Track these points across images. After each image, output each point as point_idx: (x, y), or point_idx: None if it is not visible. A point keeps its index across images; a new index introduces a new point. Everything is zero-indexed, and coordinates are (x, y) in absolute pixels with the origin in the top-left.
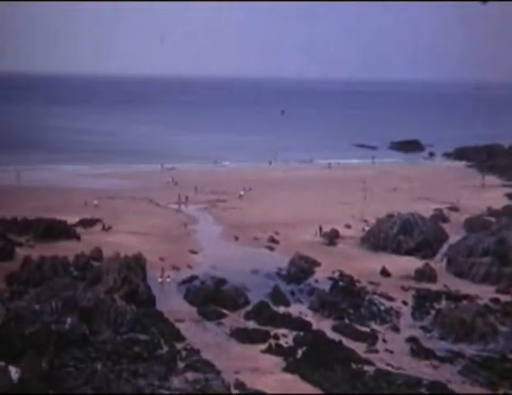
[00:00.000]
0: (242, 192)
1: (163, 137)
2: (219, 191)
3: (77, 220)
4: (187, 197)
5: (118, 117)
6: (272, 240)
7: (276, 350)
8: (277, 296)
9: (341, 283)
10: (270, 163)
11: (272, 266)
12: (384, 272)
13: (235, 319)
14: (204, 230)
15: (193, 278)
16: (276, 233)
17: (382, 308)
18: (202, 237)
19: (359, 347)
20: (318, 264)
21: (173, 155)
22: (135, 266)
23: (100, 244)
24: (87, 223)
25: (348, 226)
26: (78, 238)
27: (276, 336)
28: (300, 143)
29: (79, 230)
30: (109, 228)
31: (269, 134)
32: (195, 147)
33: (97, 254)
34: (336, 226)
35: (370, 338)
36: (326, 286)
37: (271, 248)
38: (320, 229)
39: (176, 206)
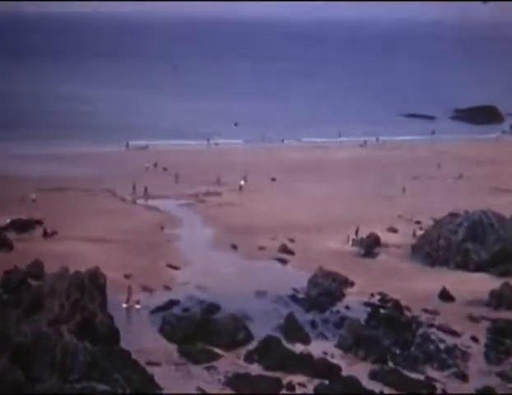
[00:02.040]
0: (242, 182)
1: (136, 105)
2: (210, 180)
3: (8, 221)
4: (146, 189)
5: (91, 75)
6: (285, 250)
7: None
8: (292, 329)
9: (383, 311)
10: (282, 141)
11: (284, 286)
12: (445, 296)
13: (232, 362)
14: (189, 235)
15: (172, 304)
16: (291, 240)
17: (442, 346)
18: (185, 245)
19: None
20: (350, 284)
21: (146, 130)
22: (90, 286)
23: (41, 256)
24: (22, 226)
25: (393, 230)
26: (9, 246)
27: (290, 387)
28: (323, 112)
29: (10, 235)
30: (54, 233)
31: (280, 99)
32: (178, 119)
33: (37, 270)
34: (375, 230)
35: (425, 389)
36: (361, 315)
37: (283, 261)
38: (356, 232)
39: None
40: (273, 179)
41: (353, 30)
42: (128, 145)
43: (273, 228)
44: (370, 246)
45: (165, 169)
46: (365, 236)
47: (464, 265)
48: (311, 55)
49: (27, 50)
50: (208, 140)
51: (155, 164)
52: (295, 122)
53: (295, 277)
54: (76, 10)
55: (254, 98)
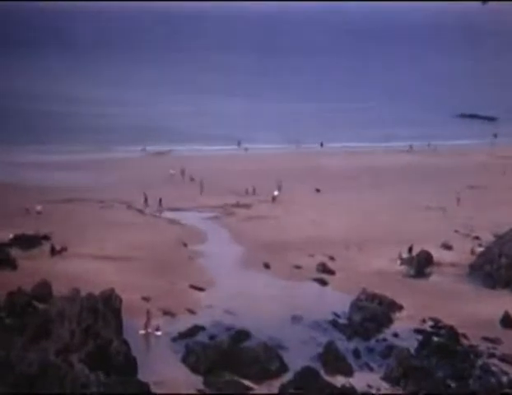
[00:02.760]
0: (276, 192)
1: (158, 105)
2: (239, 189)
3: (11, 236)
4: (160, 201)
5: (105, 70)
6: (325, 269)
7: None
8: (332, 359)
9: (436, 339)
10: (321, 145)
11: (323, 310)
12: (508, 322)
13: None
14: (215, 252)
15: (196, 330)
16: (331, 257)
17: (504, 379)
18: (211, 264)
19: None
20: (398, 308)
21: (167, 133)
22: (104, 310)
23: (49, 276)
24: (27, 241)
25: (448, 247)
26: (13, 265)
27: None
28: (367, 113)
29: (14, 252)
30: (63, 250)
31: (316, 99)
32: (202, 121)
33: (44, 291)
34: (427, 246)
35: None
36: (411, 344)
37: (322, 282)
38: (410, 250)
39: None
40: (318, 190)
41: (388, 20)
42: (144, 149)
43: (311, 244)
44: (422, 265)
45: (192, 178)
46: (415, 254)
47: None
48: (344, 46)
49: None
50: (239, 144)
51: (183, 172)
52: (334, 124)
53: (336, 300)
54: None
55: (287, 98)
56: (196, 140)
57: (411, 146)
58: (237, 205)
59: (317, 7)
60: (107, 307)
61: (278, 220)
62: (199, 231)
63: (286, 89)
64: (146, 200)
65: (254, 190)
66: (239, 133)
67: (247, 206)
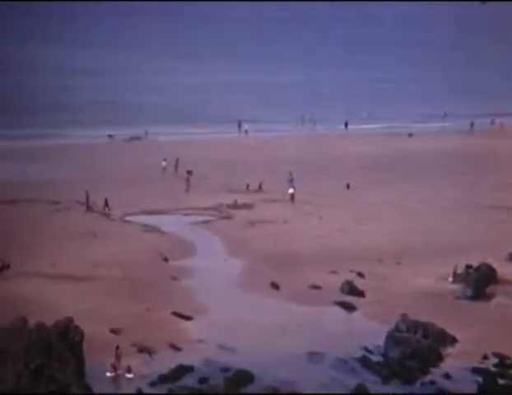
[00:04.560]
0: (291, 190)
1: (139, 75)
2: (238, 184)
3: None
4: (106, 203)
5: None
6: (352, 290)
7: None
8: None
9: (502, 381)
10: (346, 125)
11: (350, 344)
12: None
13: None
14: (206, 268)
15: (182, 371)
16: (360, 274)
17: None
18: (201, 284)
19: None
20: (450, 340)
21: (143, 112)
22: (60, 346)
23: None
24: None
25: None
26: None
27: None
28: (413, 85)
29: None
30: (5, 267)
31: (343, 64)
32: (191, 96)
33: None
34: (489, 259)
35: None
36: (469, 387)
37: (348, 307)
38: (469, 267)
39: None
40: (348, 186)
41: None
42: (110, 135)
43: (333, 257)
44: (482, 283)
45: (189, 172)
46: (473, 268)
47: None
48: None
49: None
50: (239, 126)
51: (177, 165)
52: (365, 98)
53: (367, 331)
54: None
55: (299, 66)
56: (181, 120)
57: (472, 125)
58: (235, 205)
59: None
60: (63, 342)
61: (290, 226)
62: (185, 241)
63: (298, 55)
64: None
65: (261, 186)
66: (239, 112)
67: (248, 206)
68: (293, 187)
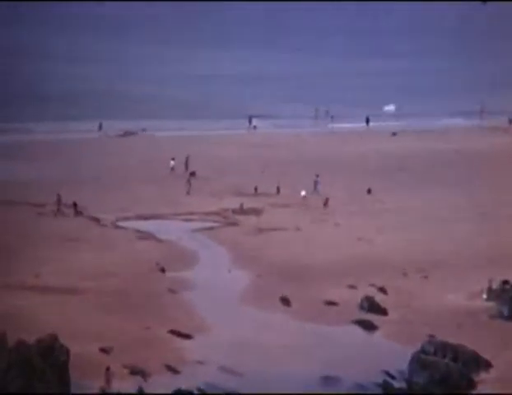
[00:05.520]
0: (304, 192)
1: (137, 64)
2: (245, 187)
3: None
4: (75, 207)
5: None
6: (372, 307)
7: None
8: None
9: None
10: (367, 121)
11: (370, 367)
12: None
13: None
14: (208, 281)
15: None
16: (381, 289)
17: None
18: (202, 299)
19: None
20: (484, 365)
21: (142, 105)
22: (43, 366)
23: None
24: None
25: None
26: None
27: None
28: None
29: None
30: None
31: (365, 53)
32: (195, 87)
33: None
34: None
35: None
36: None
37: (368, 326)
38: (505, 282)
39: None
40: (369, 191)
41: None
42: (101, 127)
43: (352, 269)
44: None
45: (192, 173)
46: (510, 284)
47: None
48: None
49: None
50: (250, 122)
51: (187, 164)
52: (386, 91)
53: (389, 353)
54: None
55: (314, 56)
56: (183, 114)
57: (511, 121)
58: (241, 211)
59: None
60: (47, 361)
61: (303, 234)
62: (184, 250)
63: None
64: (58, 201)
65: (279, 189)
66: (249, 106)
67: (256, 211)
68: (318, 191)
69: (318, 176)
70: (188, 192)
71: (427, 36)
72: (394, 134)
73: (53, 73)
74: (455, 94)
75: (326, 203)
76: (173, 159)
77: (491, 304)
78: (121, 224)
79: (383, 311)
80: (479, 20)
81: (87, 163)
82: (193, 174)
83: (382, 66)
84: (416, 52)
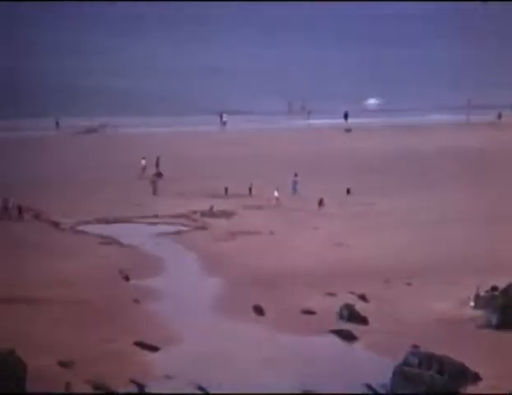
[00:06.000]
0: (276, 193)
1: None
2: (215, 188)
3: None
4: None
5: None
6: (352, 315)
7: None
8: None
9: None
10: (345, 117)
11: (350, 381)
12: None
13: None
14: (176, 289)
15: None
16: (362, 297)
17: None
18: (169, 308)
19: None
20: (471, 376)
21: (103, 99)
22: None
23: None
24: None
25: None
26: None
27: None
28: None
29: None
30: None
31: (346, 40)
32: (168, 83)
33: None
34: None
35: None
36: None
37: (347, 337)
38: (493, 288)
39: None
40: (348, 191)
41: None
42: (58, 124)
43: (330, 276)
44: (510, 309)
45: (158, 174)
46: (499, 291)
47: None
48: None
49: None
50: (221, 118)
51: (157, 162)
52: (367, 82)
53: (370, 365)
54: None
55: (293, 45)
56: (149, 110)
57: (499, 116)
58: (211, 213)
59: None
60: (2, 376)
61: (278, 238)
62: (150, 256)
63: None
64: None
65: (251, 189)
66: (220, 101)
67: (227, 214)
68: (296, 191)
69: (296, 175)
70: (154, 193)
71: (415, 22)
72: (349, 131)
73: (3, 67)
74: (442, 87)
75: (321, 203)
76: (143, 158)
77: (478, 312)
78: (81, 228)
79: (363, 320)
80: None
81: (43, 163)
82: (159, 175)
83: (365, 55)
84: (403, 40)
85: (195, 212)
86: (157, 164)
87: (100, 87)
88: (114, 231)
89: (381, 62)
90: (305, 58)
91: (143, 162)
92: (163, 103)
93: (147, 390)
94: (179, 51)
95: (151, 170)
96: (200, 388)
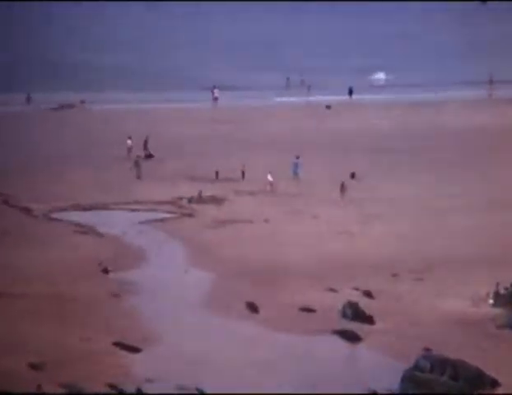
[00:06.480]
0: (270, 177)
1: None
2: (203, 172)
3: None
4: None
5: None
6: (356, 314)
7: None
8: None
9: None
10: (350, 93)
11: (353, 385)
12: None
13: None
14: (160, 283)
15: None
16: (368, 294)
17: None
18: (152, 305)
19: None
20: (489, 382)
21: (84, 74)
22: None
23: None
24: None
25: None
26: None
27: None
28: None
29: None
30: None
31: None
32: (156, 55)
33: None
34: None
35: None
36: None
37: (351, 337)
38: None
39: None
40: (352, 175)
41: None
42: (29, 100)
43: (332, 269)
44: None
45: (148, 155)
46: None
47: None
48: None
49: None
50: (213, 93)
51: (146, 143)
52: (375, 56)
53: (376, 369)
54: None
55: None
56: (133, 85)
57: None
58: (200, 199)
59: None
60: None
61: (274, 227)
62: (131, 246)
63: None
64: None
65: (244, 173)
66: (213, 75)
67: (217, 200)
68: (298, 175)
69: (298, 158)
70: (138, 177)
71: None
72: (328, 107)
73: None
74: (458, 61)
75: (343, 189)
76: (129, 138)
77: (498, 311)
78: (56, 215)
79: (369, 319)
80: None
81: (13, 142)
82: (149, 156)
83: (372, 27)
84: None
85: (181, 198)
86: (145, 145)
87: (80, 62)
88: (92, 219)
89: (386, 35)
90: (307, 31)
91: (129, 142)
92: (150, 78)
93: None
94: (173, 24)
95: (138, 151)
96: (186, 390)
